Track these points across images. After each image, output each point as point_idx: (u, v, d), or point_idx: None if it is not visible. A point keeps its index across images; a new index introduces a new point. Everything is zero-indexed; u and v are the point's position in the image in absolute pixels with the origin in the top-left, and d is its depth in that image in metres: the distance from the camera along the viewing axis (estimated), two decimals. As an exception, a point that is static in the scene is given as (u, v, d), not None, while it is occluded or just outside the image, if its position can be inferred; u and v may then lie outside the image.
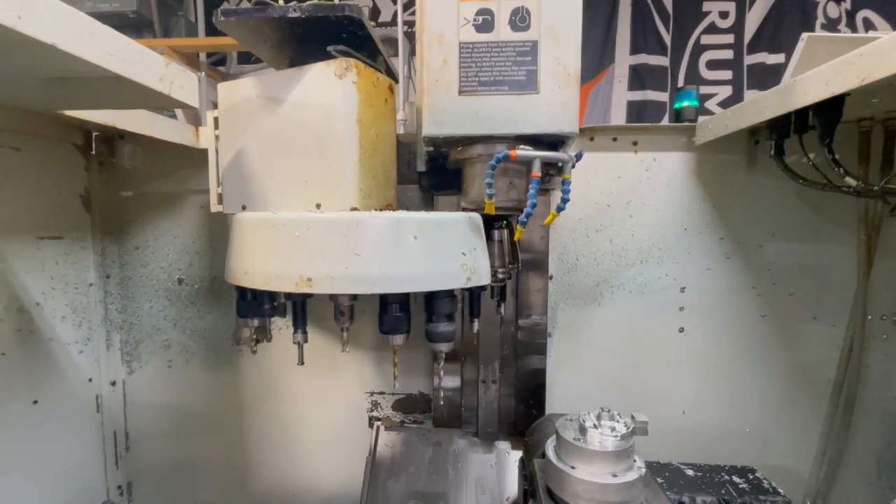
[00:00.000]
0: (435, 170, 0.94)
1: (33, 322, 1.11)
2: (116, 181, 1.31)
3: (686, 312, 1.26)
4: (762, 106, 0.91)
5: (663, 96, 2.50)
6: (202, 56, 2.45)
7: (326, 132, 0.78)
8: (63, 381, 1.21)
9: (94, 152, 1.26)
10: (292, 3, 0.73)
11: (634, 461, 0.75)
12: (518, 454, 1.24)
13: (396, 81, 1.14)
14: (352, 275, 0.65)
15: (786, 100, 0.87)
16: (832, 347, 1.22)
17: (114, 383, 1.36)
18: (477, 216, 0.74)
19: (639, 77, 2.50)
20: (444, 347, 0.79)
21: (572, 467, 0.74)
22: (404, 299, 0.77)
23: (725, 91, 2.43)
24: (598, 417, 0.78)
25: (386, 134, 0.88)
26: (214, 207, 1.04)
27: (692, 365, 1.27)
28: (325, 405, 1.36)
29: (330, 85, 0.77)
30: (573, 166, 0.73)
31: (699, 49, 2.49)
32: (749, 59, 2.44)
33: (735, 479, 0.96)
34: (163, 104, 0.75)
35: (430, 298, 0.77)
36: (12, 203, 1.06)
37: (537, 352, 1.24)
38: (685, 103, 1.27)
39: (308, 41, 0.89)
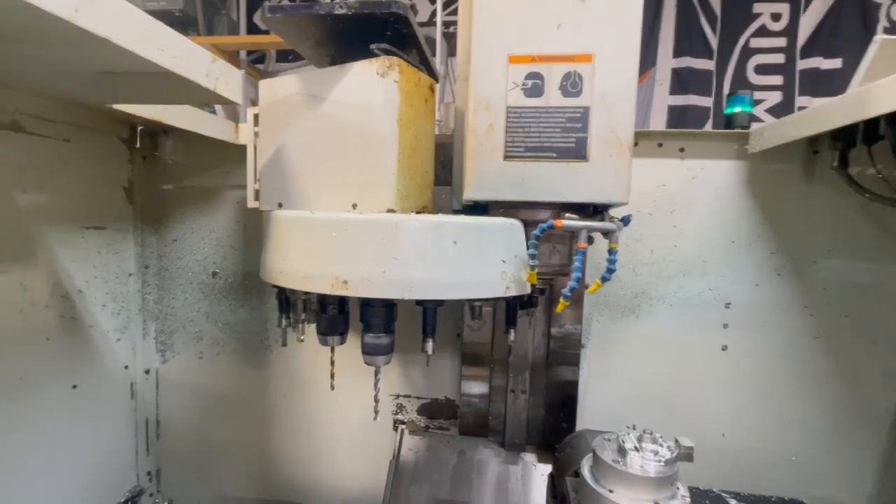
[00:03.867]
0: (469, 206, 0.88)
1: (75, 309, 1.15)
2: (158, 174, 1.34)
3: (730, 330, 1.19)
4: (830, 114, 0.85)
5: (707, 101, 2.40)
6: (242, 54, 2.51)
7: (366, 131, 0.76)
8: (101, 367, 1.24)
9: (138, 146, 1.29)
10: (339, 0, 0.72)
11: (678, 489, 0.71)
12: (545, 468, 1.20)
13: (437, 81, 1.12)
14: (389, 279, 0.63)
15: (857, 108, 0.80)
16: (891, 376, 1.13)
17: (147, 371, 1.40)
18: (518, 223, 0.71)
19: (681, 81, 2.40)
20: (379, 362, 0.73)
21: (610, 490, 0.70)
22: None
23: (775, 97, 2.31)
24: (640, 439, 0.74)
25: (425, 134, 0.86)
26: (251, 203, 1.04)
27: (735, 386, 1.20)
28: (351, 405, 1.35)
29: (371, 83, 0.75)
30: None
31: (748, 52, 2.37)
32: (802, 64, 2.31)
33: (783, 512, 0.90)
34: (208, 100, 0.76)
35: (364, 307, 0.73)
36: (60, 193, 1.09)
37: (569, 363, 1.19)
38: (737, 109, 1.20)
39: (350, 39, 0.88)
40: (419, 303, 0.73)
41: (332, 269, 0.65)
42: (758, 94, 2.28)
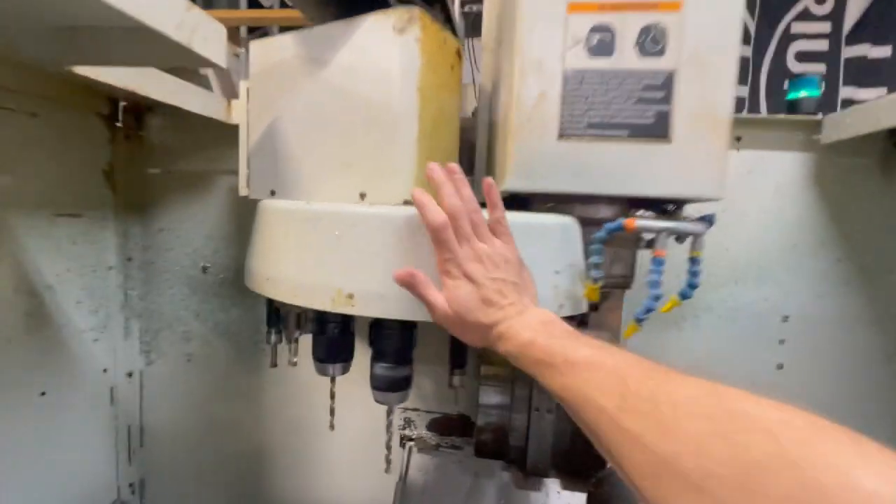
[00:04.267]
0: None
1: (44, 306, 1.01)
2: (143, 157, 1.20)
3: (788, 346, 1.04)
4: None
5: (742, 91, 2.22)
6: (243, 31, 2.35)
7: (378, 102, 0.59)
8: (75, 370, 1.11)
9: (120, 124, 1.15)
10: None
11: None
12: (570, 497, 1.07)
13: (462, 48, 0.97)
14: (409, 294, 0.47)
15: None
16: (974, 403, 0.99)
17: (130, 374, 1.27)
18: (576, 223, 0.55)
19: (712, 69, 2.20)
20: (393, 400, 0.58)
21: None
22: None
23: (816, 87, 2.12)
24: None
25: (450, 110, 0.69)
26: (242, 191, 0.90)
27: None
28: (353, 417, 1.22)
29: (386, 42, 0.58)
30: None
31: (788, 38, 2.19)
32: (847, 52, 2.13)
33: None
34: (183, 60, 0.61)
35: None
36: (27, 175, 0.95)
37: (601, 379, 1.05)
38: (803, 93, 1.04)
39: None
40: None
41: (334, 278, 0.49)
42: (798, 84, 2.09)
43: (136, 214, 1.22)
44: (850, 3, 2.13)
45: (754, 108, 2.23)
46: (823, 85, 2.11)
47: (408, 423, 1.20)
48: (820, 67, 2.14)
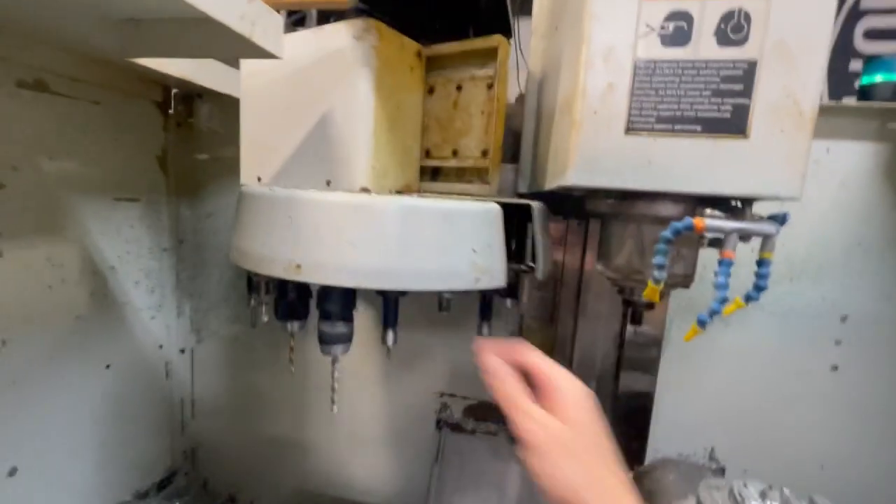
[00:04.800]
0: (541, 193, 0.74)
1: (107, 286, 1.08)
2: (193, 143, 1.24)
3: (844, 347, 0.99)
4: None
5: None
6: (283, 15, 2.37)
7: (338, 100, 0.68)
8: (135, 346, 1.18)
9: (172, 111, 1.18)
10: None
11: (816, 565, 0.55)
12: (607, 487, 1.07)
13: (511, 35, 0.95)
14: (344, 266, 0.56)
15: None
16: None
17: (182, 351, 1.34)
18: (496, 209, 0.60)
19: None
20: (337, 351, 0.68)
21: (727, 560, 0.55)
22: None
23: (885, 68, 1.95)
24: (763, 496, 0.58)
25: (409, 107, 0.76)
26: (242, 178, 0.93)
27: (843, 412, 1.01)
28: (392, 399, 1.25)
29: (345, 47, 0.66)
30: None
31: (856, 14, 2.02)
32: (925, 28, 1.95)
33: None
34: (243, 52, 0.62)
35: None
36: (90, 161, 1.00)
37: (645, 370, 1.04)
38: (879, 77, 0.96)
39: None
40: (380, 292, 0.65)
41: (287, 251, 0.58)
42: (865, 65, 1.93)
43: (187, 199, 1.26)
44: (931, -27, 1.93)
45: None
46: None
47: (444, 407, 1.22)
48: (893, 46, 1.97)
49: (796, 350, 1.01)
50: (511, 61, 1.56)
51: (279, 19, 0.62)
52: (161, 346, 1.26)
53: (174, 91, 1.18)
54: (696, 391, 1.07)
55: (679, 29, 0.45)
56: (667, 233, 0.47)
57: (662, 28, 0.45)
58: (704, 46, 0.45)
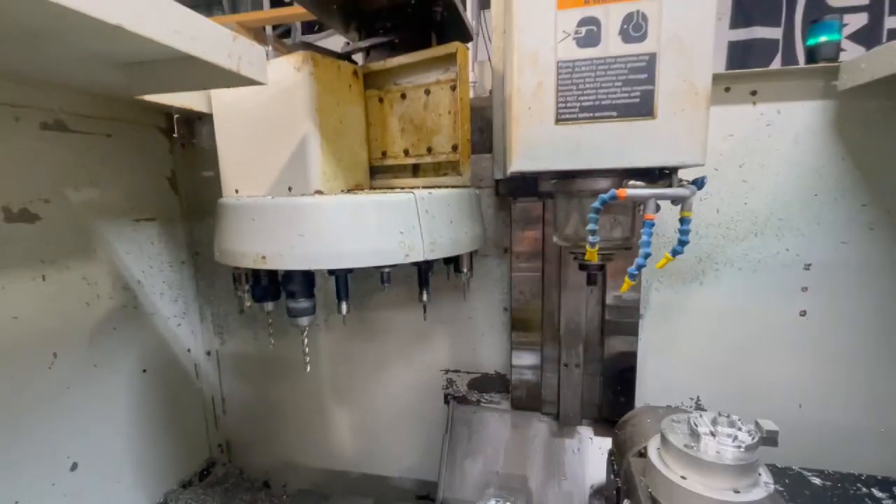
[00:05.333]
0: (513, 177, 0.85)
1: (137, 299, 1.20)
2: (198, 161, 1.35)
3: (810, 293, 1.07)
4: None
5: (775, 33, 2.10)
6: (268, 29, 2.46)
7: (291, 121, 0.82)
8: (166, 351, 1.31)
9: (176, 135, 1.29)
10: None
11: (760, 475, 0.64)
12: (603, 441, 1.17)
13: (471, 39, 1.03)
14: (297, 253, 0.72)
15: None
16: None
17: (209, 353, 1.46)
18: (413, 197, 0.74)
19: (744, 11, 2.09)
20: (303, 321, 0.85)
21: (683, 477, 0.65)
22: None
23: (859, 20, 1.98)
24: (714, 423, 0.68)
25: (352, 118, 0.90)
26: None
27: (814, 354, 1.09)
28: (401, 380, 1.36)
29: (290, 77, 0.80)
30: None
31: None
32: (895, -23, 1.97)
33: (876, 492, 0.82)
34: (233, 82, 0.72)
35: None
36: (110, 187, 1.12)
37: (627, 333, 1.13)
38: (822, 38, 1.03)
39: (377, 6, 0.82)
40: (330, 272, 0.82)
41: (254, 246, 0.75)
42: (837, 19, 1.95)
43: (198, 213, 1.38)
44: (898, -79, 1.95)
45: (789, 49, 2.10)
46: (867, 18, 1.97)
47: (450, 382, 1.33)
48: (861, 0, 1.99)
49: (767, 300, 1.09)
50: (485, 54, 1.65)
51: (261, 50, 0.72)
52: (189, 350, 1.39)
53: (176, 116, 1.29)
54: (677, 347, 1.16)
55: (590, 32, 0.54)
56: (596, 203, 0.55)
57: (577, 32, 0.54)
58: (612, 45, 0.53)
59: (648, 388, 1.19)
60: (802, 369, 1.10)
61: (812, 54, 1.05)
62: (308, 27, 2.55)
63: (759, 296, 1.10)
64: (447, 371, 1.32)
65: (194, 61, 0.65)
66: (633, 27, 0.53)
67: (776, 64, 2.09)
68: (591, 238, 0.58)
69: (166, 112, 1.26)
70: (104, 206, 1.11)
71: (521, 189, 1.04)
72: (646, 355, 1.17)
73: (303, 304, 0.81)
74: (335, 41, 2.57)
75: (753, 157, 1.05)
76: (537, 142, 0.57)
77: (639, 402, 1.16)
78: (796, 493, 0.83)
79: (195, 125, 1.34)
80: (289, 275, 0.80)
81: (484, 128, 1.11)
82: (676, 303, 1.14)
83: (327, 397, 1.43)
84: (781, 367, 1.11)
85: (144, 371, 1.22)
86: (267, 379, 1.47)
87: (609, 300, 1.11)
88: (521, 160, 0.58)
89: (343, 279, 0.83)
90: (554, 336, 1.17)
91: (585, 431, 1.18)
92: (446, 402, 1.33)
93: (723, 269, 1.11)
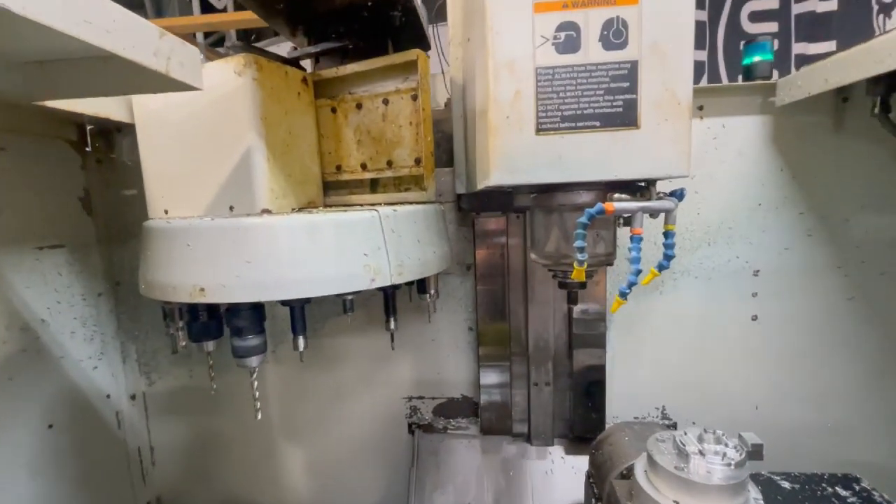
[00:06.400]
0: (476, 191, 0.80)
1: (40, 340, 1.01)
2: (117, 179, 1.19)
3: (760, 299, 1.12)
4: (883, 55, 0.75)
5: (701, 55, 2.28)
6: (199, 37, 2.29)
7: (231, 132, 0.73)
8: (78, 400, 1.11)
9: (89, 148, 1.13)
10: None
11: (749, 492, 0.63)
12: (574, 460, 1.14)
13: (429, 47, 0.99)
14: (244, 283, 0.61)
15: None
16: (928, 331, 1.08)
17: (133, 397, 1.27)
18: (378, 214, 0.66)
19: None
20: (252, 363, 0.72)
21: (675, 501, 0.62)
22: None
23: (770, 45, 2.19)
24: (701, 440, 0.66)
25: (302, 129, 0.82)
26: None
27: (767, 356, 1.13)
28: (360, 411, 1.26)
29: (230, 82, 0.71)
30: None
31: (739, 0, 2.26)
32: (797, 8, 2.20)
33: (839, 490, 0.85)
34: (160, 87, 0.62)
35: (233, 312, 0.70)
36: (4, 211, 0.94)
37: (594, 345, 1.11)
38: (757, 58, 1.09)
39: (329, 7, 0.75)
40: (283, 303, 0.70)
41: (189, 277, 0.62)
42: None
43: (119, 238, 1.21)
44: (796, -40, 2.19)
45: (713, 70, 2.29)
46: (777, 44, 2.19)
47: (414, 410, 1.24)
48: (772, 26, 2.22)
49: (721, 306, 1.12)
50: (436, 67, 1.61)
51: (195, 51, 0.62)
52: (108, 396, 1.20)
53: (90, 127, 1.12)
54: (641, 358, 1.16)
55: (569, 37, 0.51)
56: (582, 219, 0.52)
57: (555, 38, 0.51)
58: (593, 51, 0.51)
59: (616, 401, 1.18)
60: (757, 372, 1.14)
61: (748, 72, 1.11)
62: (244, 36, 2.40)
63: (715, 303, 1.13)
64: (410, 398, 1.24)
65: (112, 60, 0.54)
66: (614, 33, 0.50)
67: (703, 83, 2.26)
68: (579, 256, 0.54)
69: (77, 122, 1.09)
70: (-4, 232, 0.93)
71: (485, 203, 1.00)
72: (612, 368, 1.16)
73: (251, 341, 0.69)
74: (277, 50, 2.43)
75: (703, 169, 1.09)
76: (517, 153, 0.53)
77: (608, 415, 1.15)
78: (770, 500, 0.83)
79: (113, 137, 1.18)
80: (234, 309, 0.67)
81: (440, 141, 1.06)
82: (638, 314, 1.15)
83: (277, 435, 1.29)
84: (738, 371, 1.15)
85: (50, 427, 1.03)
86: (206, 421, 1.30)
87: (576, 313, 1.10)
88: (500, 173, 0.53)
89: (299, 310, 0.73)
90: (522, 353, 1.13)
91: (557, 451, 1.15)
92: (411, 431, 1.24)
93: (680, 278, 1.13)
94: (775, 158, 1.07)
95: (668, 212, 0.56)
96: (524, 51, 0.51)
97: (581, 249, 0.54)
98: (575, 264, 0.55)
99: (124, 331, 1.24)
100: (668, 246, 0.58)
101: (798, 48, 2.19)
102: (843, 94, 1.03)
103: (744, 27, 2.26)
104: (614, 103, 0.51)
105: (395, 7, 0.74)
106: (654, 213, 0.58)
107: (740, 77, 1.17)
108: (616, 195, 0.55)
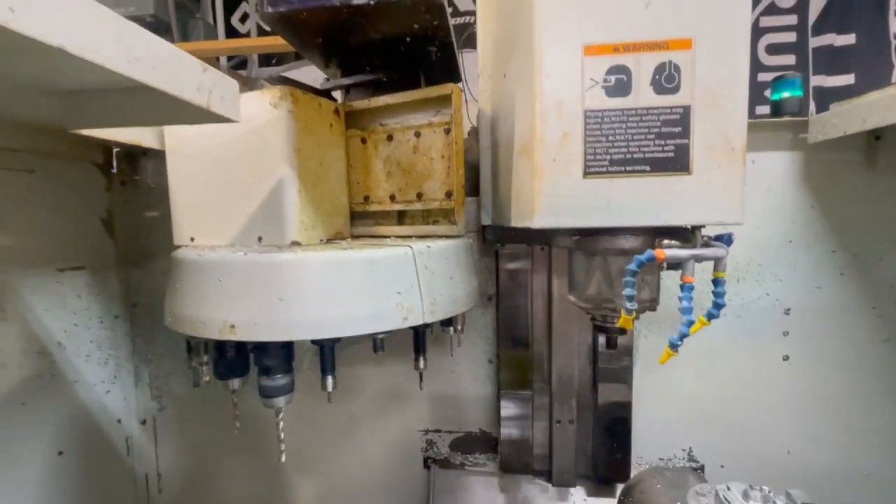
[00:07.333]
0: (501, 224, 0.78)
1: (55, 365, 0.99)
2: (139, 201, 1.19)
3: (791, 338, 1.08)
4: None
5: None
6: (223, 60, 2.33)
7: (264, 163, 0.72)
8: (89, 425, 1.09)
9: (114, 171, 1.13)
10: (358, -12, 0.58)
11: (800, 555, 0.59)
12: (597, 503, 1.09)
13: (461, 79, 0.99)
14: (276, 321, 0.60)
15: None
16: (968, 376, 1.04)
17: (144, 422, 1.25)
18: (412, 251, 0.65)
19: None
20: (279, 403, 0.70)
21: (722, 565, 0.58)
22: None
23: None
24: (746, 496, 0.62)
25: (333, 160, 0.81)
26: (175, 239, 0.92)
27: (799, 398, 1.09)
28: (374, 443, 1.22)
29: (265, 114, 0.70)
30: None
31: (758, 32, 2.28)
32: (815, 42, 2.22)
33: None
34: (198, 119, 0.61)
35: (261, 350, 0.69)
36: (28, 232, 0.94)
37: (619, 380, 1.08)
38: (786, 94, 1.08)
39: (365, 41, 0.75)
40: (314, 341, 0.69)
41: (220, 313, 0.61)
42: (770, 75, 2.17)
43: (138, 260, 1.20)
44: (813, -6, 2.22)
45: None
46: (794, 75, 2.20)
47: (430, 444, 1.21)
48: (790, 59, 2.23)
49: (751, 345, 1.09)
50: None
51: (234, 84, 0.62)
52: (119, 421, 1.17)
53: (116, 150, 1.13)
54: (668, 396, 1.12)
55: (620, 81, 0.50)
56: (632, 266, 0.50)
57: (605, 81, 0.50)
58: (644, 95, 0.50)
59: (640, 440, 1.13)
60: (789, 414, 1.10)
61: (777, 108, 1.10)
62: (266, 59, 2.45)
63: (744, 341, 1.09)
64: (427, 431, 1.20)
65: (154, 93, 0.54)
66: (666, 78, 0.49)
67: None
68: (628, 305, 0.52)
69: (104, 145, 1.10)
70: (19, 254, 0.92)
71: (510, 235, 0.98)
72: (637, 406, 1.12)
73: (280, 380, 0.67)
74: (299, 74, 2.47)
75: (731, 204, 1.07)
76: (563, 196, 0.52)
77: (633, 455, 1.10)
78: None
79: (138, 160, 1.18)
80: (263, 347, 0.66)
81: (465, 170, 1.06)
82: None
83: (288, 466, 1.25)
84: (769, 413, 1.10)
85: (60, 454, 1.00)
86: (215, 447, 1.27)
87: (601, 347, 1.06)
88: (545, 216, 0.52)
89: (329, 350, 0.71)
90: (544, 388, 1.09)
91: (579, 493, 1.10)
92: (426, 466, 1.20)
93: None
94: (805, 195, 1.05)
95: (718, 259, 0.54)
96: (573, 93, 0.50)
97: (630, 298, 0.52)
98: (623, 313, 0.53)
99: (138, 354, 1.22)
100: (719, 294, 0.56)
101: (816, 80, 2.20)
102: (875, 132, 1.02)
103: (761, 59, 2.27)
104: (665, 148, 0.50)
105: (432, 42, 0.74)
106: (701, 260, 0.56)
107: (758, 107, 1.16)
108: (665, 241, 0.53)
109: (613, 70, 0.50)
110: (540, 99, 0.51)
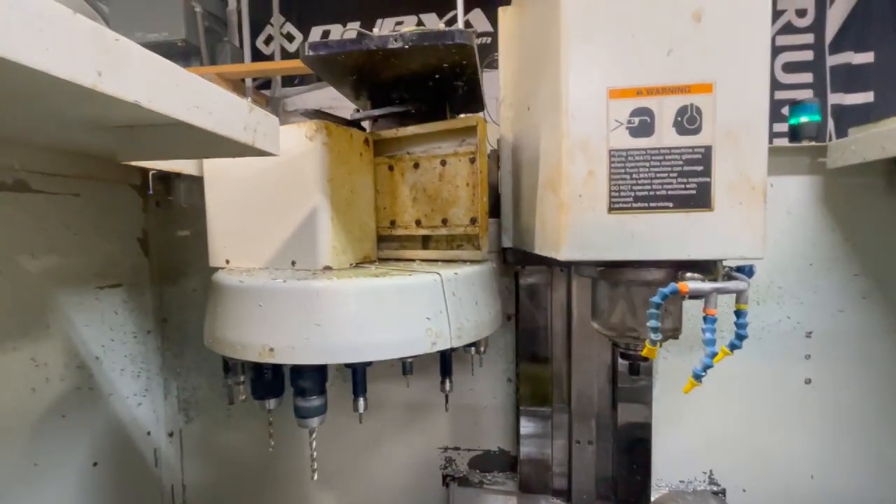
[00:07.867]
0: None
1: (93, 378, 1.04)
2: (173, 220, 1.24)
3: (813, 361, 1.08)
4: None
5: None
6: (248, 80, 2.42)
7: (300, 191, 0.76)
8: (123, 438, 1.13)
9: (151, 192, 1.19)
10: (393, 33, 0.62)
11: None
12: (618, 525, 1.09)
13: (483, 108, 1.02)
14: (312, 345, 0.64)
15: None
16: None
17: (171, 434, 1.28)
18: (440, 277, 0.68)
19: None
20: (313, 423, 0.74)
21: None
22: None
23: (805, 95, 2.21)
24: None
25: (362, 188, 0.86)
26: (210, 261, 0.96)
27: (822, 422, 1.08)
28: (394, 460, 1.24)
29: (301, 146, 0.75)
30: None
31: (775, 51, 2.29)
32: (832, 60, 2.21)
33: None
34: (241, 153, 0.66)
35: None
36: (73, 253, 0.99)
37: (639, 401, 1.08)
38: (803, 119, 1.10)
39: (396, 76, 0.79)
40: (348, 365, 0.72)
41: (260, 337, 0.65)
42: (787, 94, 2.18)
43: (170, 277, 1.25)
44: (830, 13, 2.22)
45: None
46: (812, 94, 2.20)
47: (449, 461, 1.22)
48: (807, 77, 2.23)
49: (773, 368, 1.09)
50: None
51: (275, 121, 0.66)
52: (149, 433, 1.21)
53: (152, 173, 1.19)
54: (688, 418, 1.12)
55: (643, 122, 0.52)
56: (656, 298, 0.52)
57: (629, 122, 0.53)
58: (666, 136, 0.52)
59: (660, 462, 1.13)
60: (812, 439, 1.09)
61: (795, 132, 1.11)
62: (289, 80, 2.53)
63: (765, 364, 1.09)
64: (446, 448, 1.22)
65: (203, 131, 0.58)
66: (688, 119, 0.52)
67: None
68: (653, 336, 0.54)
69: (141, 168, 1.16)
70: (64, 274, 0.97)
71: (530, 257, 1.00)
72: (657, 428, 1.12)
73: (314, 402, 0.70)
74: (315, 96, 2.56)
75: (750, 227, 1.08)
76: (589, 231, 0.54)
77: (653, 477, 1.10)
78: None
79: (172, 181, 1.24)
80: (300, 369, 0.69)
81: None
82: (684, 370, 1.11)
83: (309, 484, 1.28)
84: (791, 437, 1.10)
85: (95, 465, 1.04)
86: (239, 462, 1.30)
87: (620, 367, 1.07)
88: (571, 249, 0.54)
89: (362, 372, 0.74)
90: (563, 407, 1.10)
91: (599, 514, 1.10)
92: (445, 483, 1.22)
93: (728, 336, 1.10)
94: (825, 218, 1.06)
95: (740, 292, 0.56)
96: (598, 133, 0.53)
97: (655, 329, 0.54)
98: (647, 343, 0.55)
99: (167, 367, 1.27)
100: (741, 325, 0.58)
101: (834, 98, 2.19)
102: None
103: (778, 78, 2.28)
104: (688, 186, 0.52)
105: (459, 78, 0.78)
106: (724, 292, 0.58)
107: (775, 124, 1.17)
108: (689, 274, 0.55)
109: (637, 112, 0.53)
110: (567, 139, 0.54)
